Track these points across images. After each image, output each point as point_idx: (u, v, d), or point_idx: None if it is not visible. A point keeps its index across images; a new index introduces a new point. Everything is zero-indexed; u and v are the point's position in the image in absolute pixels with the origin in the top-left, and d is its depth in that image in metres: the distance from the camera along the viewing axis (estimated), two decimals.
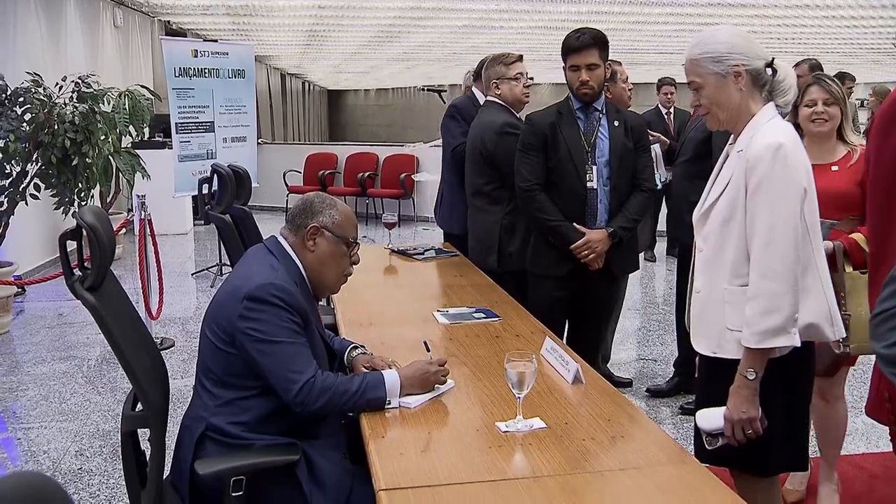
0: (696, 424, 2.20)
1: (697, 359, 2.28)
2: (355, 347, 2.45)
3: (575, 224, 3.25)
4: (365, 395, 2.10)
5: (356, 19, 11.54)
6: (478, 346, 2.64)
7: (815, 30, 12.04)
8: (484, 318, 2.96)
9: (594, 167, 3.24)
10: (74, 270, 2.06)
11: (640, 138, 3.38)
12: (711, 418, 2.12)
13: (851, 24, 11.36)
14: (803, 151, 2.09)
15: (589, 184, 3.24)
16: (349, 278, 2.39)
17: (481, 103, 4.10)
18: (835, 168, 2.91)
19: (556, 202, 3.27)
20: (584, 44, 3.18)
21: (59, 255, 2.10)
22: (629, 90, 4.14)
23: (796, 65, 6.42)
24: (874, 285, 1.85)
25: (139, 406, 2.13)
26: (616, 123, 3.29)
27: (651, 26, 11.97)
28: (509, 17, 11.01)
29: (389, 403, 2.12)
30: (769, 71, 2.13)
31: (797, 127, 2.50)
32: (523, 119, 3.60)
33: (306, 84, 25.87)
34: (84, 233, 2.04)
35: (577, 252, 3.23)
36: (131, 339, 2.11)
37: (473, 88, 4.40)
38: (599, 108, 3.29)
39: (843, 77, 7.97)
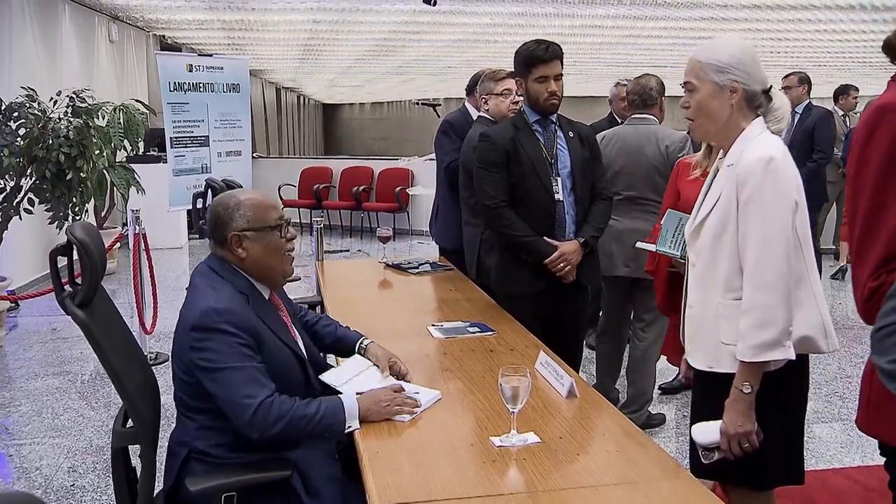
0: (691, 438, 2.19)
1: (693, 373, 2.27)
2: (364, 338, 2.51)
3: (546, 238, 3.20)
4: (323, 420, 2.04)
5: (351, 33, 11.59)
6: (472, 361, 2.64)
7: (808, 43, 12.11)
8: (478, 332, 2.95)
9: (559, 179, 3.21)
10: (66, 286, 2.05)
11: (593, 148, 3.36)
12: (707, 432, 2.11)
13: (843, 38, 11.43)
14: (794, 165, 2.09)
15: (556, 196, 3.20)
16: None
17: (473, 118, 4.11)
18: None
19: (524, 217, 3.20)
20: (554, 54, 3.16)
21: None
22: None
23: (786, 76, 6.50)
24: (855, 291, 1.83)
25: (130, 422, 2.12)
26: (571, 134, 3.26)
27: (645, 40, 12.03)
28: (503, 31, 11.06)
29: (349, 428, 2.06)
30: (764, 97, 2.14)
31: None
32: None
33: (301, 98, 25.94)
34: (75, 248, 2.03)
35: (552, 266, 3.17)
36: (122, 355, 2.10)
37: (466, 103, 4.41)
38: (554, 121, 3.26)
39: (847, 88, 8.02)
